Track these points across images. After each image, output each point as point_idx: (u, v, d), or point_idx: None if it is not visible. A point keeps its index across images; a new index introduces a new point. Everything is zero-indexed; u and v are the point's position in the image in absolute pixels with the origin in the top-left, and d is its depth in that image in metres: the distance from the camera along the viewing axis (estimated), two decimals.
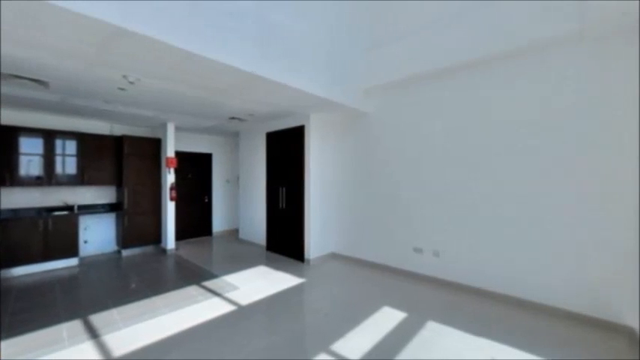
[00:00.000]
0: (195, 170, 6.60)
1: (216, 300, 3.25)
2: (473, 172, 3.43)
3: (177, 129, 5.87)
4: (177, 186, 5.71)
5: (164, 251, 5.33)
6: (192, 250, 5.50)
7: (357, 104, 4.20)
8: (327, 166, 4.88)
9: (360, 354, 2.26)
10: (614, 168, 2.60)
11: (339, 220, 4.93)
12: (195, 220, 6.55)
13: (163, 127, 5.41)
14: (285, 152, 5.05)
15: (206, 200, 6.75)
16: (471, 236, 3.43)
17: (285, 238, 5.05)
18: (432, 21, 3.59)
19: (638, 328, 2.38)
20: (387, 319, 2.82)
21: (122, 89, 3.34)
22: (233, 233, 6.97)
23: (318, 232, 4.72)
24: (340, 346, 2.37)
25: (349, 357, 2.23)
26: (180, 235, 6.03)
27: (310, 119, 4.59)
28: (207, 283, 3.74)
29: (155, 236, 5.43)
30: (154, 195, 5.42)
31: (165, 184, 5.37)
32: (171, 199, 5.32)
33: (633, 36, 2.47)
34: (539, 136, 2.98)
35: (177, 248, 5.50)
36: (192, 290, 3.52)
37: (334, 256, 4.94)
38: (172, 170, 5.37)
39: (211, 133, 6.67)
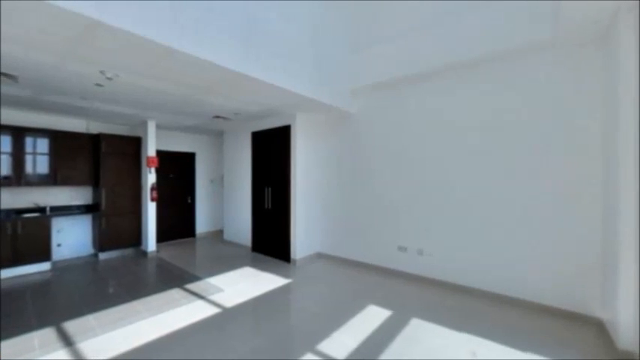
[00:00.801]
0: (178, 170, 6.42)
1: (199, 303, 3.17)
2: (453, 173, 3.53)
3: (159, 127, 5.69)
4: (159, 186, 5.53)
5: (144, 254, 5.15)
6: (174, 252, 5.34)
7: (343, 104, 4.22)
8: (313, 166, 4.88)
9: (346, 353, 2.28)
10: (582, 169, 2.75)
11: (325, 220, 4.94)
12: (178, 222, 6.37)
13: (144, 125, 5.22)
14: (271, 152, 5.00)
15: (189, 201, 6.58)
16: (453, 235, 3.53)
17: (270, 239, 5.01)
18: (414, 25, 3.67)
19: (605, 319, 2.53)
20: (372, 317, 2.85)
21: (99, 85, 3.19)
22: (217, 234, 6.83)
23: (304, 232, 4.71)
24: (326, 346, 2.37)
25: (335, 356, 2.23)
26: (161, 237, 5.85)
27: (296, 119, 4.57)
28: (191, 286, 3.64)
29: (135, 238, 5.24)
30: (133, 195, 5.22)
31: (145, 184, 5.19)
32: (152, 199, 5.15)
33: (602, 44, 2.62)
34: (515, 138, 3.11)
35: (158, 250, 5.33)
36: (175, 293, 3.42)
37: (320, 256, 4.94)
38: (153, 170, 5.20)
39: (194, 132, 6.51)
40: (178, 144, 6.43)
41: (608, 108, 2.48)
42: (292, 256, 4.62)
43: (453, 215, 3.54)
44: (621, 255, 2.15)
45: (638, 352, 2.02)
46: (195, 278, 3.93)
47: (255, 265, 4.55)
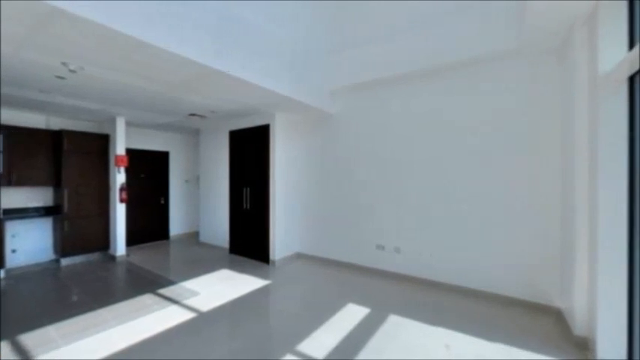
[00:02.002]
0: (150, 170, 6.12)
1: (174, 308, 3.04)
2: (427, 173, 3.67)
3: (129, 124, 5.39)
4: (129, 186, 5.24)
5: (113, 258, 4.86)
6: (146, 256, 5.08)
7: (322, 105, 4.24)
8: (292, 165, 4.85)
9: (325, 352, 2.29)
10: (543, 170, 2.96)
11: (304, 220, 4.93)
12: (150, 223, 6.07)
13: (112, 122, 4.93)
14: (250, 151, 4.91)
15: (162, 202, 6.29)
16: (428, 233, 3.66)
17: (249, 240, 4.92)
18: (391, 29, 3.76)
19: (563, 308, 2.74)
20: (351, 315, 2.88)
21: (61, 78, 2.97)
22: (193, 236, 6.60)
23: (284, 233, 4.67)
24: (306, 346, 2.37)
25: (314, 356, 2.24)
26: (132, 240, 5.54)
27: (276, 118, 4.52)
28: (164, 291, 3.49)
29: (102, 242, 4.92)
30: (100, 196, 4.91)
31: (114, 185, 4.90)
32: (122, 200, 4.87)
33: (561, 53, 2.84)
34: (482, 140, 3.28)
35: (128, 254, 5.05)
36: (147, 299, 3.26)
37: (300, 256, 4.93)
38: (123, 169, 4.92)
39: (168, 130, 6.24)
40: (151, 142, 6.13)
41: (566, 113, 2.69)
42: (271, 257, 4.56)
43: (427, 214, 3.67)
44: (577, 249, 2.34)
45: (591, 337, 2.21)
46: (168, 282, 3.77)
47: (232, 267, 4.44)
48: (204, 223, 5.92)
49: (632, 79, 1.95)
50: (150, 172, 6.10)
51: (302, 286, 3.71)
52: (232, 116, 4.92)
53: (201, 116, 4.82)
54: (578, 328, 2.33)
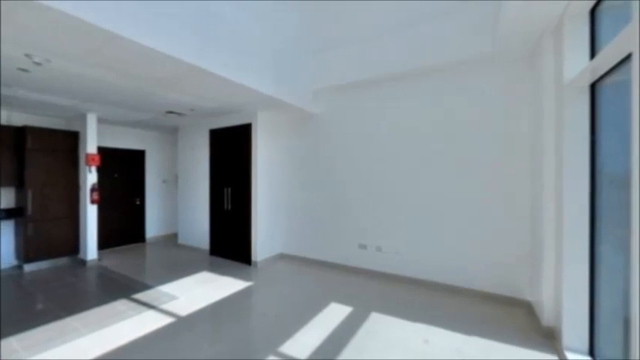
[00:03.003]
0: (124, 169, 5.83)
1: (150, 313, 2.92)
2: (406, 175, 3.76)
3: (101, 121, 5.11)
4: (102, 187, 4.97)
5: (83, 263, 4.59)
6: (120, 260, 4.85)
7: (305, 105, 4.23)
8: (275, 165, 4.81)
9: (308, 352, 2.28)
10: (515, 170, 3.13)
11: (287, 220, 4.90)
12: (125, 225, 5.79)
13: (82, 118, 4.65)
14: (231, 151, 4.81)
15: (137, 202, 6.02)
16: (407, 231, 3.76)
17: (230, 241, 4.81)
18: (373, 31, 3.81)
19: (532, 301, 2.91)
20: (334, 314, 2.90)
21: (24, 70, 2.76)
22: (171, 238, 6.36)
23: (266, 233, 4.62)
24: (289, 347, 2.35)
25: (297, 356, 2.23)
26: (105, 243, 5.26)
27: (258, 117, 4.46)
28: (140, 296, 3.34)
29: (71, 246, 4.64)
30: (69, 198, 4.62)
31: (85, 185, 4.63)
32: (93, 201, 4.61)
33: (531, 60, 3.01)
34: (463, 142, 3.41)
35: (100, 258, 4.79)
36: (120, 305, 3.10)
37: (282, 257, 4.89)
38: (94, 169, 4.66)
39: (145, 128, 5.98)
40: (125, 140, 5.85)
41: (536, 117, 2.86)
42: (253, 258, 4.50)
43: (408, 213, 3.76)
44: (545, 246, 2.49)
45: (557, 327, 2.36)
46: (144, 287, 3.61)
47: (213, 269, 4.33)
48: (183, 224, 5.73)
49: (593, 87, 2.10)
50: (124, 171, 5.82)
51: (285, 287, 3.68)
52: (213, 114, 4.79)
53: (179, 114, 4.67)
54: (546, 319, 2.48)
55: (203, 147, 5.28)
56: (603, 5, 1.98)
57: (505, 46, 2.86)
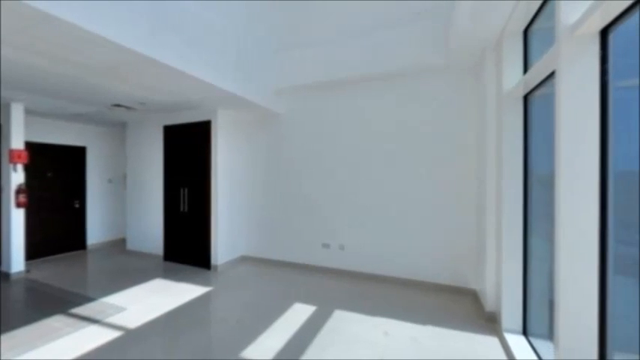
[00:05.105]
0: (60, 167, 5.16)
1: (92, 328, 2.62)
2: (364, 175, 3.92)
3: (30, 113, 4.46)
4: (31, 188, 4.33)
5: (7, 276, 3.95)
6: (54, 270, 4.27)
7: (266, 103, 4.15)
8: (236, 165, 4.64)
9: (272, 354, 2.25)
10: (464, 171, 3.43)
11: (249, 221, 4.76)
12: (61, 231, 5.12)
13: (5, 108, 4.01)
14: (188, 149, 4.53)
15: (76, 205, 5.37)
16: (368, 230, 3.90)
17: (187, 245, 4.53)
18: (335, 34, 3.91)
19: (478, 290, 3.22)
20: (297, 315, 2.89)
21: None
22: (118, 244, 5.78)
23: (227, 236, 4.44)
24: (251, 351, 2.29)
25: None
26: (35, 253, 4.60)
27: (218, 115, 4.26)
28: (79, 310, 2.98)
29: None
30: None
31: (8, 186, 3.99)
32: (19, 204, 4.00)
33: (477, 71, 3.32)
34: (418, 145, 3.64)
35: (28, 270, 4.17)
36: (55, 322, 2.74)
37: (244, 259, 4.75)
38: (20, 167, 4.04)
39: (85, 122, 5.35)
40: (61, 135, 5.18)
41: (481, 123, 3.16)
42: (213, 261, 4.29)
43: (370, 212, 3.90)
44: (487, 240, 2.77)
45: (497, 312, 2.65)
46: (85, 300, 3.23)
47: (168, 275, 4.04)
48: (132, 228, 5.24)
49: (526, 98, 2.39)
50: (60, 170, 5.15)
51: (247, 290, 3.58)
52: (167, 110, 4.46)
53: (128, 107, 4.26)
54: (489, 305, 2.76)
55: (156, 144, 4.89)
56: (534, 26, 2.26)
57: (455, 58, 3.12)
